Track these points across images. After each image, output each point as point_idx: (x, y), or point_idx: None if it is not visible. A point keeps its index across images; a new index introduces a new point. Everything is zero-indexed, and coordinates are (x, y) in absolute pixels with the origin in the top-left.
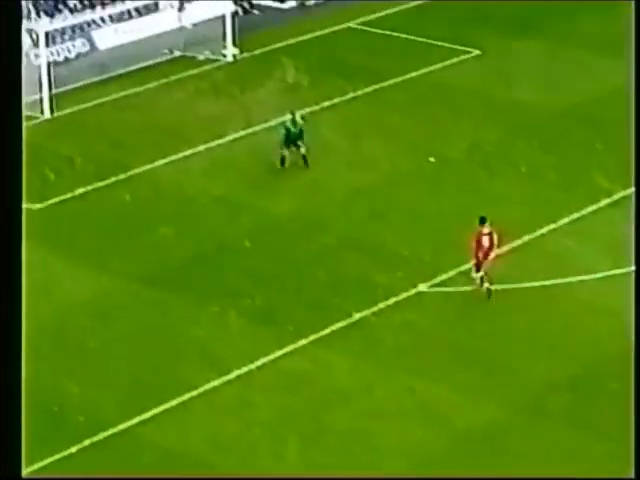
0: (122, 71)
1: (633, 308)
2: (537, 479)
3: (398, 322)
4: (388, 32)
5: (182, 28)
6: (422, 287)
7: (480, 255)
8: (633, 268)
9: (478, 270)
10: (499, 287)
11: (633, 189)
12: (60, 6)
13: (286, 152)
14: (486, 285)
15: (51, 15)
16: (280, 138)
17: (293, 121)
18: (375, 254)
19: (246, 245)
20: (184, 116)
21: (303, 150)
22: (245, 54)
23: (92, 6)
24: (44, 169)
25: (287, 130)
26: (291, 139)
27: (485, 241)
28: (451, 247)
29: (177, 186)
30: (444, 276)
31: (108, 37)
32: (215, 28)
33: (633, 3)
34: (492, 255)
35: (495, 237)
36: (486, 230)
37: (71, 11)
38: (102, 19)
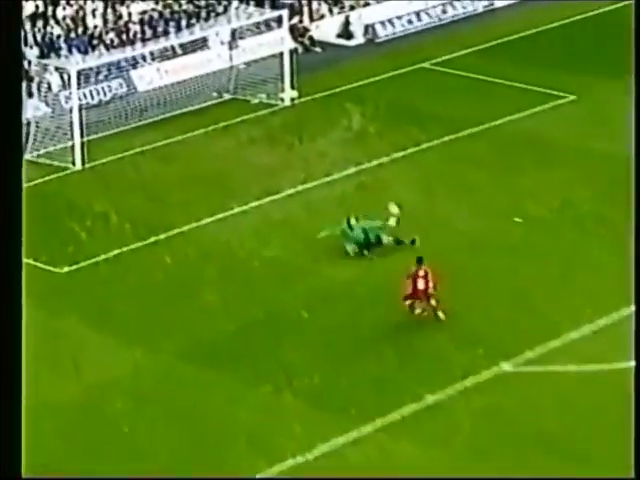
0: (164, 116)
1: None
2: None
3: (478, 406)
4: (468, 74)
5: (233, 68)
6: (505, 366)
7: (418, 295)
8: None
9: (428, 301)
10: (592, 368)
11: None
12: (95, 41)
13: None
14: (440, 314)
15: (84, 52)
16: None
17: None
18: (451, 328)
19: (303, 315)
20: (234, 168)
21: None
22: (304, 97)
23: (131, 42)
24: (74, 227)
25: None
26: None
27: (420, 283)
28: (539, 320)
29: (225, 247)
30: (530, 354)
31: (149, 77)
32: (271, 68)
33: (633, 3)
34: (432, 299)
35: (431, 277)
36: (422, 272)
37: (107, 47)
38: (142, 57)
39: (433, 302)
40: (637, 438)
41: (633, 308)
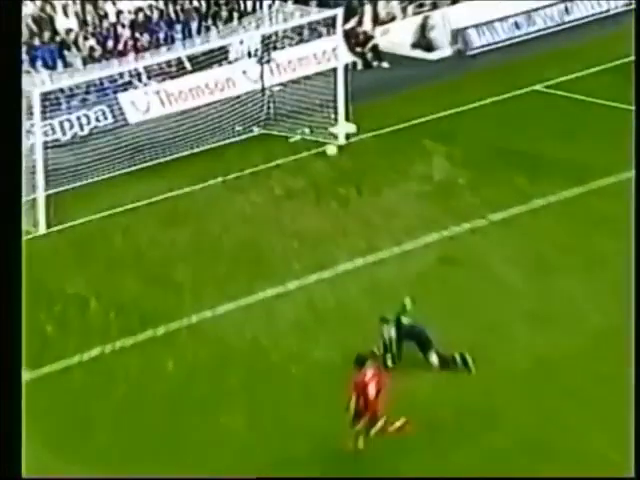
0: (166, 159)
1: None
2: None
3: None
4: (598, 100)
5: (265, 90)
6: None
7: (367, 408)
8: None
9: (373, 424)
10: None
11: None
12: (67, 52)
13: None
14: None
15: (52, 66)
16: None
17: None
18: (567, 461)
19: (359, 447)
20: (266, 232)
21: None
22: (365, 133)
23: (120, 53)
24: (37, 316)
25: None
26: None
27: (371, 389)
28: None
29: (252, 347)
30: None
31: (144, 103)
32: (318, 91)
33: (633, 3)
34: (381, 402)
35: (384, 378)
36: (370, 373)
37: (85, 60)
38: (136, 74)
39: (381, 422)
40: (637, 438)
41: None
